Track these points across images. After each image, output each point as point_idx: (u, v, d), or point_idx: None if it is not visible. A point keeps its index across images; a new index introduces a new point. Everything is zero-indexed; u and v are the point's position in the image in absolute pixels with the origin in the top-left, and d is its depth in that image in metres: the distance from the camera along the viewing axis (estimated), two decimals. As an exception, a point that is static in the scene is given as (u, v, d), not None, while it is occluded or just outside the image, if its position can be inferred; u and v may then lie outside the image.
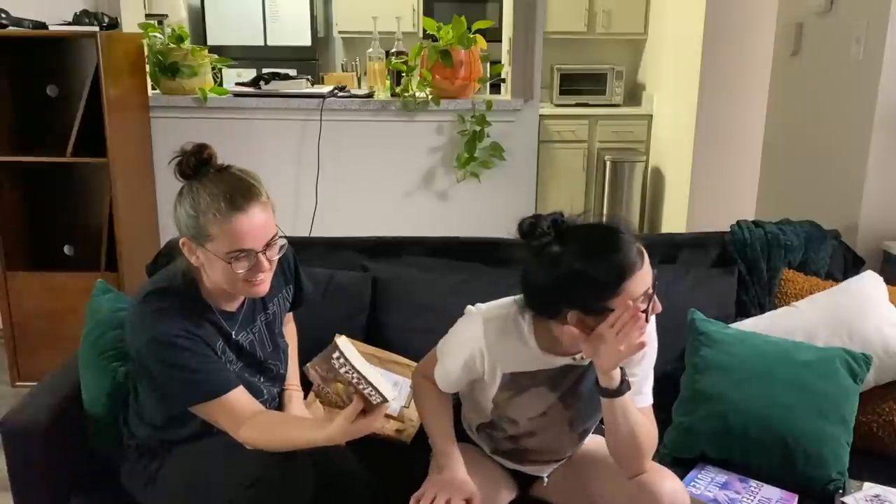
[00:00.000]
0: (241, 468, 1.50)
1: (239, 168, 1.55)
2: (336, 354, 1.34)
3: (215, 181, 1.49)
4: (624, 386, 1.45)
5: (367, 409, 1.38)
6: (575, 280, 1.37)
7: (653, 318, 1.57)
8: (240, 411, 1.52)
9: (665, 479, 1.50)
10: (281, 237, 1.55)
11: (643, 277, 1.37)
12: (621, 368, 1.46)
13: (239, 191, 1.48)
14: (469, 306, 1.58)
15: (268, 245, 1.52)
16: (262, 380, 1.69)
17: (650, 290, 1.39)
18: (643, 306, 1.37)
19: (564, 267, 1.38)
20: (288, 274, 1.79)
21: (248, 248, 1.48)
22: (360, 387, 1.35)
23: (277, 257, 1.56)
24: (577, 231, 1.42)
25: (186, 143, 1.52)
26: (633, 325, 1.35)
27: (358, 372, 1.34)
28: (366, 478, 1.65)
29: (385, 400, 1.36)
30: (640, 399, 1.54)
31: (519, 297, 1.52)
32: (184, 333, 1.51)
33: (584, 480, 1.64)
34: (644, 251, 1.40)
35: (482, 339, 1.52)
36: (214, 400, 1.51)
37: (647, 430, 1.51)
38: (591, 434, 1.68)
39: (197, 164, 1.50)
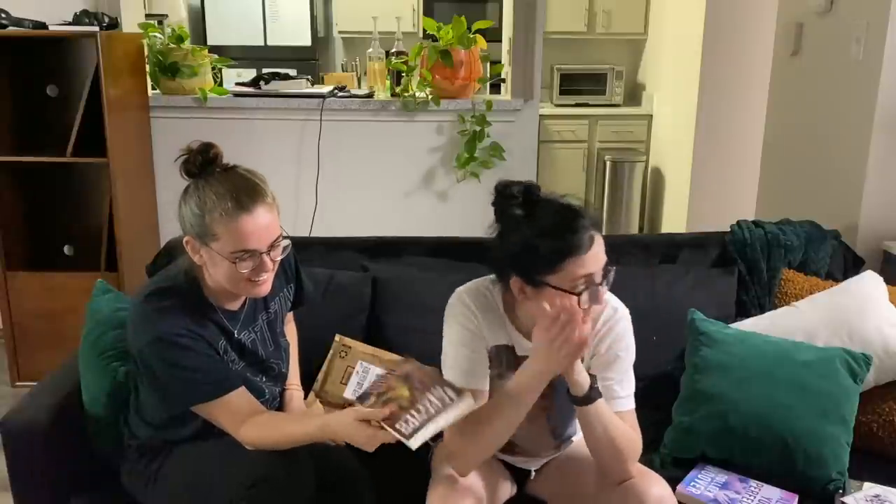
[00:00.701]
0: (242, 468, 1.50)
1: (245, 168, 1.55)
2: (450, 394, 1.35)
3: (221, 180, 1.49)
4: (594, 393, 1.46)
5: (388, 423, 1.36)
6: (522, 248, 1.43)
7: (628, 323, 1.58)
8: (241, 411, 1.53)
9: (653, 485, 1.50)
10: (284, 238, 1.55)
11: (587, 262, 1.40)
12: (592, 376, 1.47)
13: (245, 191, 1.48)
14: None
15: (272, 245, 1.52)
16: (263, 379, 1.70)
17: (593, 276, 1.41)
18: (580, 289, 1.39)
19: (518, 232, 1.44)
20: (289, 273, 1.79)
21: (253, 249, 1.48)
22: (412, 412, 1.35)
23: (281, 258, 1.56)
24: (542, 203, 1.47)
25: (193, 141, 1.52)
26: (570, 326, 1.37)
27: (432, 409, 1.34)
28: (365, 477, 1.66)
29: (409, 437, 1.33)
30: (617, 403, 1.53)
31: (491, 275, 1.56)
32: (186, 332, 1.51)
33: (574, 480, 1.65)
34: (597, 240, 1.43)
35: (468, 302, 1.55)
36: (216, 399, 1.52)
37: (627, 435, 1.51)
38: (578, 438, 1.69)
39: (203, 163, 1.51)
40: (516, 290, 1.46)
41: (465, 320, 1.54)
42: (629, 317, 1.59)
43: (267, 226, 1.50)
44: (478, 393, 1.51)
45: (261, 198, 1.49)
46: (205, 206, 1.47)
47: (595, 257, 1.42)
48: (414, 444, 1.32)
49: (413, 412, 1.35)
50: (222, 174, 1.51)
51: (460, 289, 1.59)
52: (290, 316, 1.91)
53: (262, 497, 1.46)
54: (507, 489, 1.68)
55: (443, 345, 1.58)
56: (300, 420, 1.57)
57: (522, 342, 1.56)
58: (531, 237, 1.42)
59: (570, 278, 1.39)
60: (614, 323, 1.56)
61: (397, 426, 1.34)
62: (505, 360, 1.57)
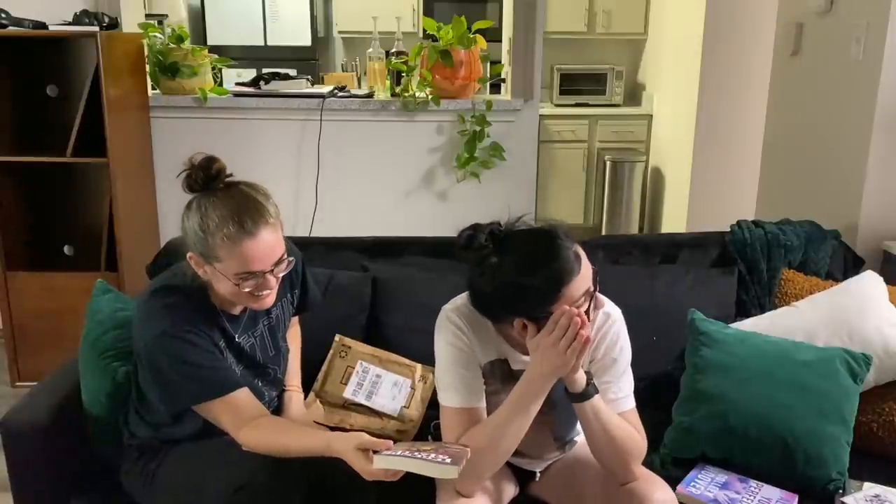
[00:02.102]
0: (230, 472, 1.49)
1: (247, 183, 1.53)
2: (447, 459, 1.34)
3: (224, 199, 1.48)
4: (591, 388, 1.46)
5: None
6: (515, 291, 1.40)
7: (622, 324, 1.57)
8: (243, 412, 1.52)
9: (656, 490, 1.50)
10: (289, 258, 1.55)
11: (581, 281, 1.39)
12: (587, 372, 1.46)
13: (248, 213, 1.47)
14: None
15: (276, 263, 1.52)
16: (261, 383, 1.70)
17: (591, 289, 1.41)
18: (585, 306, 1.39)
19: (504, 279, 1.41)
20: (294, 279, 1.79)
21: (257, 271, 1.48)
22: (405, 449, 1.37)
23: (284, 274, 1.56)
24: (514, 240, 1.44)
25: (196, 154, 1.50)
26: (572, 328, 1.36)
27: (419, 454, 1.35)
28: (368, 484, 1.64)
29: (379, 453, 1.36)
30: (617, 405, 1.53)
31: None
32: (193, 329, 1.51)
33: (576, 483, 1.65)
34: (581, 254, 1.41)
35: (457, 321, 1.52)
36: (220, 398, 1.51)
37: (628, 434, 1.50)
38: (581, 441, 1.68)
39: (206, 179, 1.49)
40: (519, 329, 1.43)
41: (457, 339, 1.52)
42: (622, 317, 1.59)
43: (271, 248, 1.49)
44: (477, 411, 1.51)
45: (263, 219, 1.48)
46: (207, 228, 1.46)
47: (586, 272, 1.41)
48: (377, 460, 1.35)
49: (405, 449, 1.37)
50: (225, 192, 1.49)
51: (447, 307, 1.56)
52: (295, 319, 1.91)
53: (247, 502, 1.45)
54: (511, 490, 1.68)
55: (436, 366, 1.56)
56: (304, 433, 1.54)
57: (516, 356, 1.54)
58: (518, 278, 1.39)
59: (570, 301, 1.38)
60: (608, 328, 1.56)
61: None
62: (500, 374, 1.55)
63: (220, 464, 1.53)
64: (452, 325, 1.53)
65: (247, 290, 1.49)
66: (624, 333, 1.57)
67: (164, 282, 1.60)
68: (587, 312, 1.39)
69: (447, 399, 1.52)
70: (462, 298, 1.55)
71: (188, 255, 1.53)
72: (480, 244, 1.44)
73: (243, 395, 1.54)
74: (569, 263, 1.38)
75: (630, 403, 1.56)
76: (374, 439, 1.39)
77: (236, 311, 1.63)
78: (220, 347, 1.58)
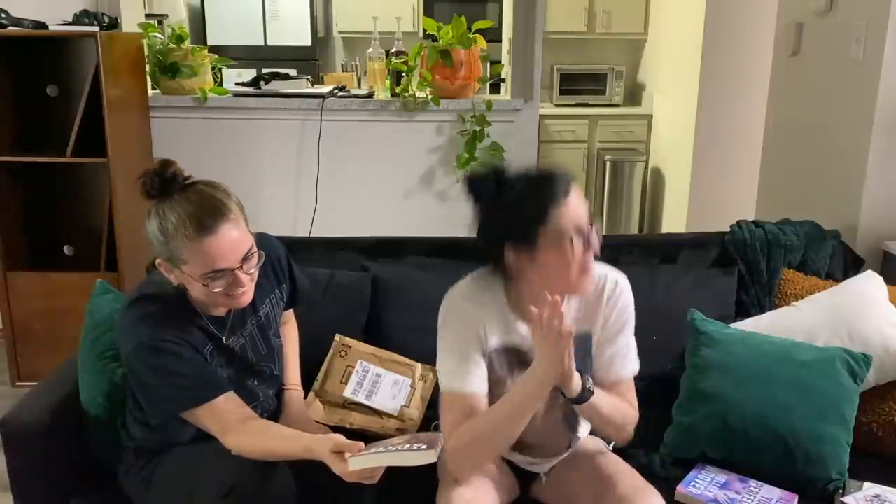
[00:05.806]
0: (218, 476, 1.48)
1: (205, 182, 1.52)
2: (422, 445, 1.37)
3: (181, 201, 1.46)
4: (586, 394, 1.49)
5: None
6: (506, 212, 1.46)
7: (629, 292, 1.62)
8: (228, 417, 1.52)
9: (650, 499, 1.52)
10: (254, 252, 1.53)
11: (571, 210, 1.44)
12: (582, 378, 1.48)
13: (206, 211, 1.45)
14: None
15: (244, 259, 1.50)
16: (255, 382, 1.69)
17: (583, 227, 1.45)
18: (578, 244, 1.43)
19: (499, 204, 1.47)
20: (280, 275, 1.78)
21: (224, 268, 1.47)
22: (377, 446, 1.38)
23: (256, 269, 1.54)
24: (514, 176, 1.50)
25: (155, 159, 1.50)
26: (558, 319, 1.37)
27: (392, 447, 1.38)
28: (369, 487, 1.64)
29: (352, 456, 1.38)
30: (626, 372, 1.60)
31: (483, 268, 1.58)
32: (171, 338, 1.50)
33: (575, 492, 1.65)
34: (575, 189, 1.46)
35: (462, 304, 1.55)
36: (202, 406, 1.51)
37: (623, 412, 1.57)
38: (584, 438, 1.71)
39: (162, 184, 1.48)
40: (512, 262, 1.48)
41: (460, 325, 1.53)
42: (629, 286, 1.63)
43: (234, 244, 1.47)
44: (475, 397, 1.51)
45: (223, 216, 1.46)
46: (167, 232, 1.45)
47: (578, 209, 1.45)
48: (352, 463, 1.36)
49: (377, 445, 1.38)
50: (182, 194, 1.47)
51: (451, 292, 1.57)
52: (290, 315, 1.91)
53: None
54: (513, 492, 1.68)
55: (437, 349, 1.56)
56: (287, 437, 1.54)
57: (524, 334, 1.55)
58: (512, 202, 1.45)
59: (558, 228, 1.42)
60: (618, 296, 1.61)
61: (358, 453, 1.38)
62: (507, 363, 1.56)
63: (212, 467, 1.52)
64: (457, 308, 1.55)
65: (217, 289, 1.48)
66: (632, 301, 1.63)
67: (144, 290, 1.59)
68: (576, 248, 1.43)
69: (447, 384, 1.53)
70: (466, 280, 1.58)
71: (157, 261, 1.51)
72: (481, 178, 1.50)
73: (227, 399, 1.53)
74: (557, 186, 1.43)
75: (636, 367, 1.62)
76: (347, 441, 1.39)
77: (220, 312, 1.61)
78: (205, 352, 1.56)
